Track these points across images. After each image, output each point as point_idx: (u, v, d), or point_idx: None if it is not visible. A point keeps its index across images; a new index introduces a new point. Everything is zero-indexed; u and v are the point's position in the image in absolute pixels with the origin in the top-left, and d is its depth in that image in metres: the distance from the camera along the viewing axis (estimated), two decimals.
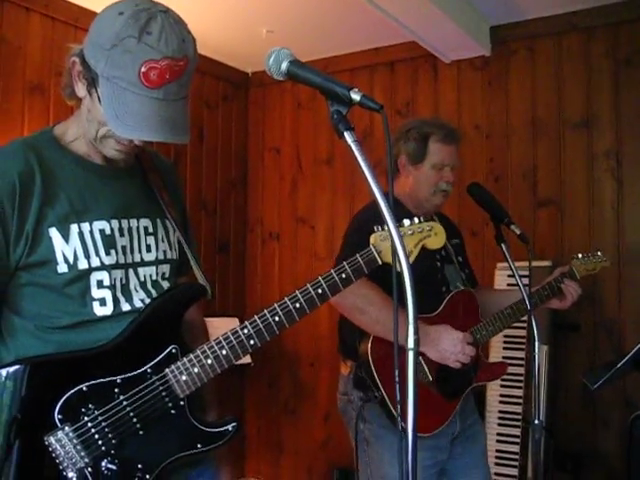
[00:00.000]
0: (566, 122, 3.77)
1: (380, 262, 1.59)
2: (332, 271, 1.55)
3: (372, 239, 1.61)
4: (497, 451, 3.39)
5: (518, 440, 3.37)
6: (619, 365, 2.52)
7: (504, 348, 3.44)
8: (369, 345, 2.20)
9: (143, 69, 1.32)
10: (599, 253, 2.64)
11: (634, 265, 3.47)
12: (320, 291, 1.51)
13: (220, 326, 1.78)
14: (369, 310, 2.18)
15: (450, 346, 2.19)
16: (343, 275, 1.55)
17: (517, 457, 3.36)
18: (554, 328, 3.49)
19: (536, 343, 2.22)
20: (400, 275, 1.13)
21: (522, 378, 3.35)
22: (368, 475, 2.32)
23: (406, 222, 1.71)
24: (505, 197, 3.77)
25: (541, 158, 3.82)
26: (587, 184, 3.68)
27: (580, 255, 2.59)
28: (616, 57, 3.64)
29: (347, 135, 1.20)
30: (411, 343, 1.12)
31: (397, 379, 1.17)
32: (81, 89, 1.42)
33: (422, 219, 1.73)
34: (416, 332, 1.13)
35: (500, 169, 3.92)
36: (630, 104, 3.60)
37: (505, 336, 3.39)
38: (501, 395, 3.42)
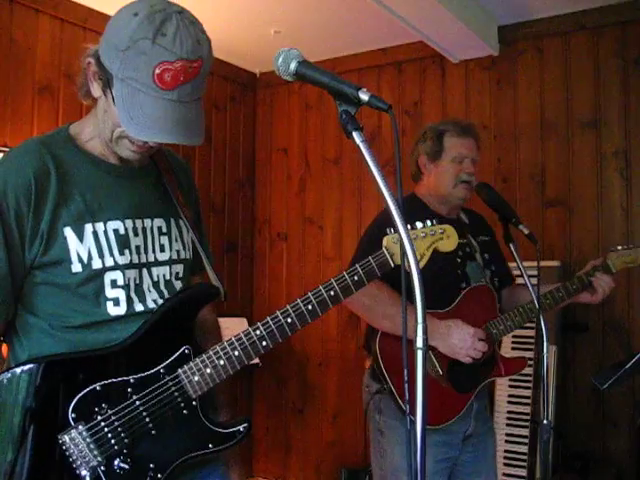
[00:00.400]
0: (574, 122, 3.76)
1: (392, 265, 1.60)
2: (345, 273, 1.55)
3: (385, 241, 1.62)
4: (505, 451, 3.39)
5: (526, 440, 3.37)
6: (627, 366, 2.51)
7: (512, 348, 3.43)
8: (377, 339, 2.27)
9: (157, 71, 1.32)
10: None
11: None
12: (332, 293, 1.52)
13: (228, 326, 1.78)
14: (377, 308, 2.24)
15: (460, 341, 2.20)
16: (355, 277, 1.55)
17: (525, 457, 3.35)
18: (563, 328, 3.49)
19: (545, 343, 2.21)
20: (410, 276, 1.13)
21: (531, 379, 3.35)
22: (381, 465, 2.36)
23: (418, 225, 1.72)
24: (513, 197, 3.77)
25: (549, 158, 3.82)
26: (596, 184, 3.67)
27: (619, 247, 2.50)
28: (625, 56, 3.64)
29: (355, 135, 1.20)
30: (420, 343, 1.12)
31: (406, 378, 1.17)
32: (96, 89, 1.43)
33: (435, 222, 1.74)
34: (424, 332, 1.13)
35: (508, 169, 3.92)
36: (639, 103, 3.59)
37: (514, 336, 3.39)
38: (509, 395, 3.43)
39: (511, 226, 2.42)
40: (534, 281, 2.28)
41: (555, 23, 3.82)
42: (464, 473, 2.41)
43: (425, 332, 1.13)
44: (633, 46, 3.62)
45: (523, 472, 3.34)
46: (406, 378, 1.15)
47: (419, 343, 1.12)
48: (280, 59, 1.24)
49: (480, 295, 2.40)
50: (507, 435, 3.40)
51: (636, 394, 3.44)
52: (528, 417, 3.37)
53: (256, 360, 4.07)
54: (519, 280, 3.36)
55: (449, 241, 1.74)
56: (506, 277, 2.64)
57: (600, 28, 3.71)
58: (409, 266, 1.12)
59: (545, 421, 2.24)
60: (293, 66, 1.24)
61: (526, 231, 2.36)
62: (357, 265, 1.57)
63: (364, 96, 1.19)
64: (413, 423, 1.12)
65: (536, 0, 3.67)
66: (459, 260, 2.41)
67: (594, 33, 3.73)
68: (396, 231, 1.15)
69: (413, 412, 1.13)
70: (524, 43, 3.94)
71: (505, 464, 3.36)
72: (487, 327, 2.33)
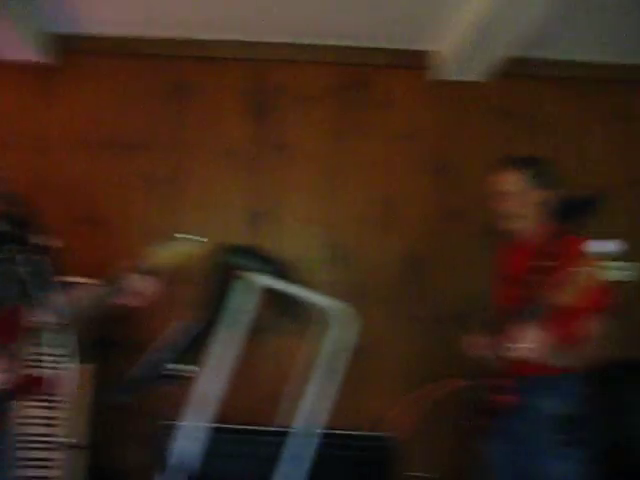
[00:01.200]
0: (122, 142, 3.90)
1: None
2: None
3: None
4: (30, 477, 3.18)
5: (53, 464, 3.22)
6: (140, 377, 2.57)
7: (38, 367, 3.26)
8: None
9: None
10: (194, 237, 2.34)
11: None
12: None
13: None
14: None
15: None
16: None
17: None
18: (95, 344, 3.45)
19: (71, 361, 2.17)
20: None
21: (58, 398, 3.22)
22: None
23: None
24: (44, 212, 3.67)
25: (91, 175, 3.88)
26: (122, 201, 3.88)
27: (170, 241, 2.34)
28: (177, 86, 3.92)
29: None
30: None
31: None
32: None
33: None
34: None
35: (46, 183, 3.82)
36: (190, 127, 3.91)
37: (40, 354, 3.22)
38: (34, 417, 3.23)
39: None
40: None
41: (114, 43, 3.90)
42: None
43: None
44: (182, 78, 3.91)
45: None
46: None
47: None
48: None
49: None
50: (32, 460, 3.20)
51: (155, 405, 3.55)
52: (55, 439, 3.22)
53: None
54: None
55: None
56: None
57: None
58: None
59: (71, 441, 2.19)
60: None
61: (50, 244, 2.28)
62: None
63: None
64: None
65: (96, 15, 3.68)
66: None
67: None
68: None
69: None
70: (80, 56, 3.93)
71: None
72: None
